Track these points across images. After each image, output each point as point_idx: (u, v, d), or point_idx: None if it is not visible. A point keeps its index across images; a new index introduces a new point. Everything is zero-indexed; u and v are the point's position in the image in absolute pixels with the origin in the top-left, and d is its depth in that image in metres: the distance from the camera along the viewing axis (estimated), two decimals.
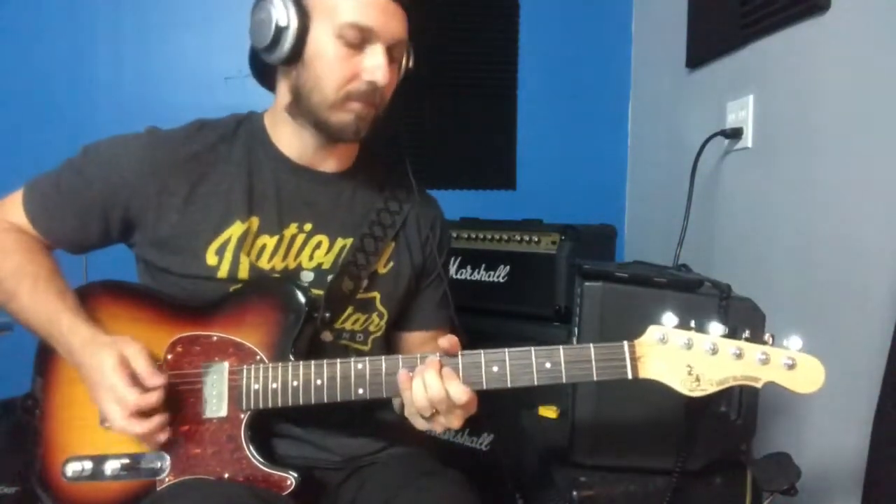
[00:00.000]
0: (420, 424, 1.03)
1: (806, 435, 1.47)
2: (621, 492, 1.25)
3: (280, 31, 1.07)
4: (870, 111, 1.32)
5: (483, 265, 1.95)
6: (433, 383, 0.97)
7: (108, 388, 1.00)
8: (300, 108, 1.13)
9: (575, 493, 1.22)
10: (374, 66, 1.08)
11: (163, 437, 1.04)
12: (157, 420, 1.02)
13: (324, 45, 1.07)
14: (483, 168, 2.44)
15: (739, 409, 1.25)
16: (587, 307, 1.26)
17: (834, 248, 1.41)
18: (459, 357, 1.00)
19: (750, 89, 1.70)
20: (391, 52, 1.10)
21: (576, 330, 1.30)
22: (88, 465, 1.08)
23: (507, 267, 1.92)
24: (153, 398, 1.01)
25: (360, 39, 1.07)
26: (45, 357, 1.13)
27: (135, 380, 1.00)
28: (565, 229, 1.85)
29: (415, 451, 1.24)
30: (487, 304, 1.92)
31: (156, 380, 1.01)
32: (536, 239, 1.88)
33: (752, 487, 1.28)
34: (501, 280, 1.93)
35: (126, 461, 1.07)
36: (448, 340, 1.00)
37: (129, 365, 1.01)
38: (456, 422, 1.01)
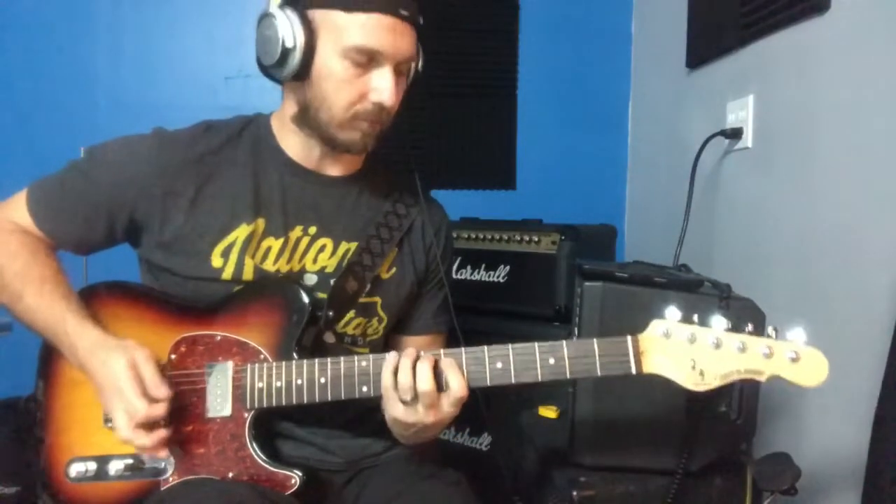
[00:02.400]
0: (397, 411, 1.01)
1: (806, 435, 1.48)
2: (621, 492, 1.25)
3: (287, 51, 1.06)
4: (870, 111, 1.32)
5: (483, 265, 1.95)
6: (423, 372, 0.97)
7: (117, 391, 1.00)
8: (307, 121, 1.13)
9: (575, 493, 1.23)
10: (382, 88, 1.07)
11: (163, 453, 1.04)
12: (161, 434, 1.01)
13: (331, 66, 1.06)
14: (483, 168, 2.44)
15: (739, 408, 1.25)
16: (587, 307, 1.26)
17: (834, 248, 1.41)
18: (463, 353, 1.01)
19: (750, 89, 1.71)
20: (398, 69, 1.09)
21: (576, 330, 1.30)
22: (92, 465, 1.08)
23: (507, 267, 1.92)
24: (160, 410, 1.01)
25: (366, 61, 1.06)
26: (49, 358, 1.13)
27: (143, 388, 1.00)
28: (565, 229, 1.85)
29: (416, 452, 1.24)
30: (487, 304, 1.92)
31: (163, 391, 1.01)
32: (536, 239, 1.88)
33: (752, 487, 1.28)
34: (501, 280, 1.93)
35: (130, 461, 1.07)
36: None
37: (138, 370, 1.01)
38: (432, 417, 1.00)
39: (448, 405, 0.99)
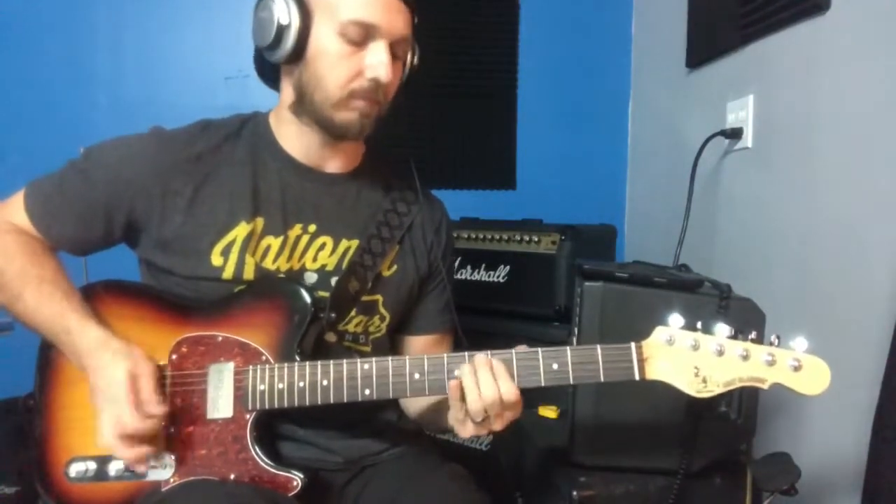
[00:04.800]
0: (467, 431, 1.01)
1: (806, 435, 1.48)
2: (621, 492, 1.25)
3: (282, 30, 1.06)
4: (870, 111, 1.32)
5: (483, 265, 1.95)
6: (488, 383, 0.96)
7: (111, 399, 0.99)
8: (304, 106, 1.12)
9: (575, 493, 1.23)
10: (377, 63, 1.07)
11: (142, 468, 1.03)
12: (143, 449, 0.99)
13: (326, 43, 1.07)
14: (483, 168, 2.44)
15: (739, 409, 1.25)
16: (587, 307, 1.26)
17: (834, 248, 1.41)
18: (466, 357, 1.00)
19: (750, 89, 1.71)
20: (394, 50, 1.10)
21: (576, 330, 1.30)
22: (92, 465, 1.08)
23: (507, 267, 1.92)
24: (148, 426, 0.99)
25: (362, 36, 1.06)
26: (48, 357, 1.13)
27: (138, 401, 0.99)
28: (565, 229, 1.85)
29: (416, 450, 1.24)
30: (487, 304, 1.92)
31: (159, 409, 1.00)
32: (536, 239, 1.88)
33: (752, 487, 1.28)
34: (501, 280, 1.93)
35: None
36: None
37: (137, 383, 1.00)
38: (501, 425, 1.00)
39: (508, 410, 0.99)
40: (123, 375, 0.99)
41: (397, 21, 1.08)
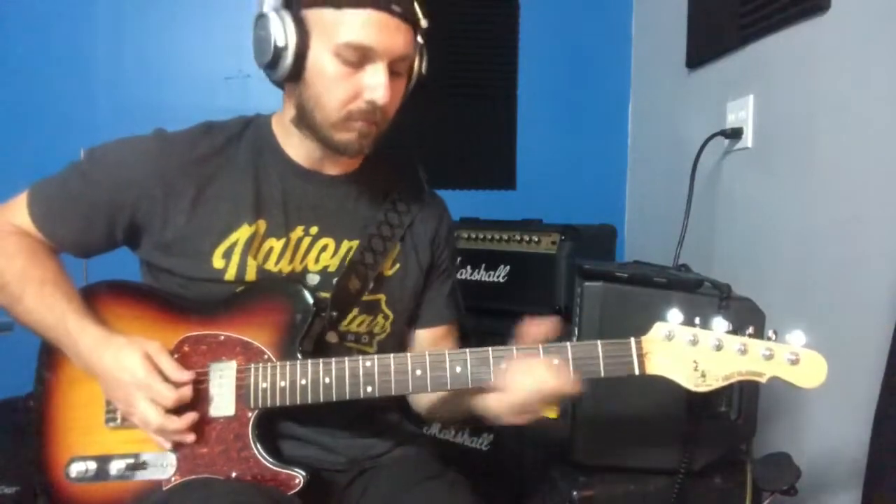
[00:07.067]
0: (509, 420, 1.02)
1: (806, 435, 1.48)
2: (621, 492, 1.25)
3: (279, 51, 1.05)
4: (870, 111, 1.32)
5: (483, 265, 1.96)
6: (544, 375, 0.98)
7: (141, 385, 1.01)
8: (304, 123, 1.12)
9: (575, 493, 1.23)
10: (375, 86, 1.05)
11: (191, 437, 1.05)
12: (191, 415, 1.04)
13: (323, 65, 1.05)
14: (483, 168, 2.44)
15: (739, 408, 1.25)
16: (587, 307, 1.26)
17: (833, 247, 1.41)
18: (468, 353, 1.01)
19: (750, 89, 1.71)
20: (394, 67, 1.08)
21: (576, 330, 1.30)
22: (93, 465, 1.08)
23: (507, 267, 1.92)
24: (187, 392, 1.03)
25: (359, 58, 1.04)
26: (49, 357, 1.13)
27: (164, 376, 1.02)
28: (565, 229, 1.85)
29: (418, 452, 1.24)
30: (487, 304, 1.92)
31: (184, 375, 1.03)
32: (536, 239, 1.88)
33: (752, 487, 1.28)
34: (501, 280, 1.93)
35: (131, 461, 1.07)
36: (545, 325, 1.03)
37: (154, 360, 1.02)
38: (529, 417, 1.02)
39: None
40: (139, 360, 1.01)
41: (396, 40, 1.06)
